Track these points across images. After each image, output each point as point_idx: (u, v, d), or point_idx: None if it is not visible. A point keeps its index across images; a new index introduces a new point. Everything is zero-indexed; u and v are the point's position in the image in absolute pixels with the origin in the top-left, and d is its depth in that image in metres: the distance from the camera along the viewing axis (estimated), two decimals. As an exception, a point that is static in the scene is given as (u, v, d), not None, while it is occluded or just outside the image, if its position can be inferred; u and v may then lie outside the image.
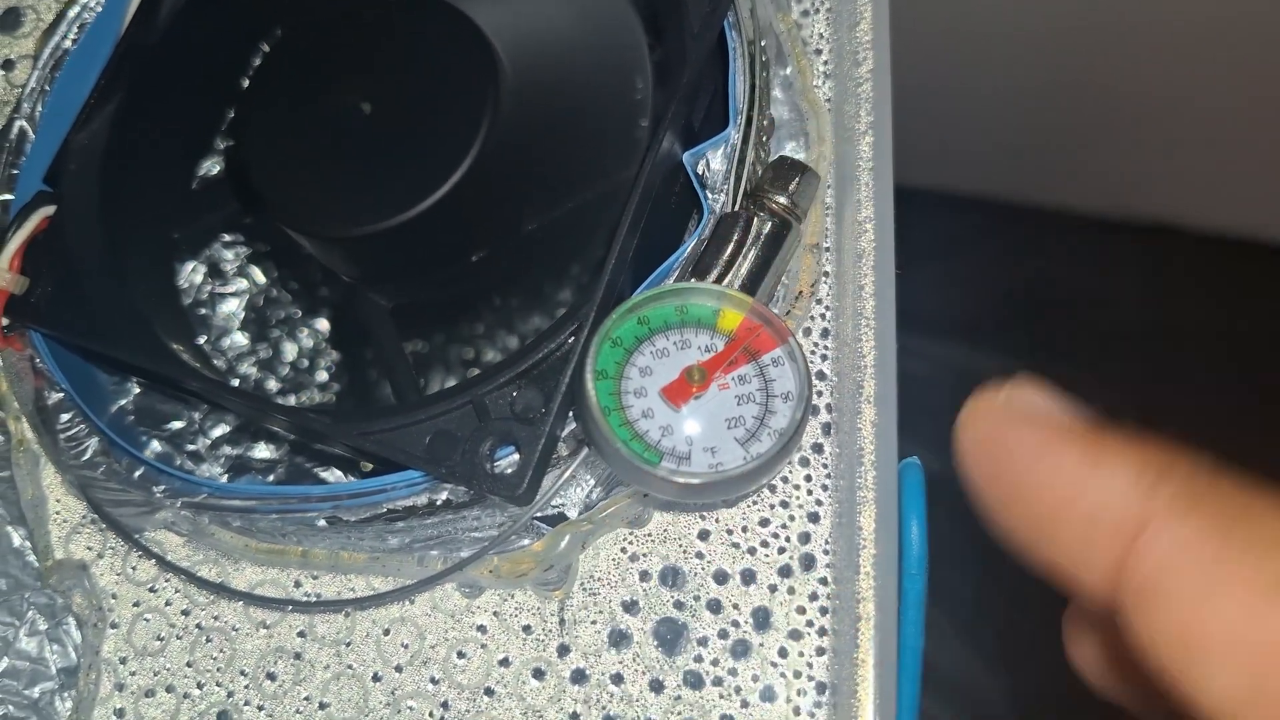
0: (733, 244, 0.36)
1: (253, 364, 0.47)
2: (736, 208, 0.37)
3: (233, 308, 0.48)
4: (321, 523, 0.36)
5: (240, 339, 0.47)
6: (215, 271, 0.48)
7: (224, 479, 0.43)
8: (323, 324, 0.48)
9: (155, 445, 0.44)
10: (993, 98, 0.92)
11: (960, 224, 0.98)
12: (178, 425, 0.45)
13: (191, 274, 0.47)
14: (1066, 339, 0.97)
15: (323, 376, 0.47)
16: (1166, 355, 0.95)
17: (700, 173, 0.38)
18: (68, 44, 0.45)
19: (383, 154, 0.40)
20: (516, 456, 0.34)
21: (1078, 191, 0.96)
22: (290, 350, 0.47)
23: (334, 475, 0.44)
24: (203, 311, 0.47)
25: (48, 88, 0.44)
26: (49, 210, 0.40)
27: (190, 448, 0.45)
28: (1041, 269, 0.99)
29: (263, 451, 0.45)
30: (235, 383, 0.45)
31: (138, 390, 0.45)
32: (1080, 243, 0.98)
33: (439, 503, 0.36)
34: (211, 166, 0.48)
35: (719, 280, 0.36)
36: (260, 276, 0.48)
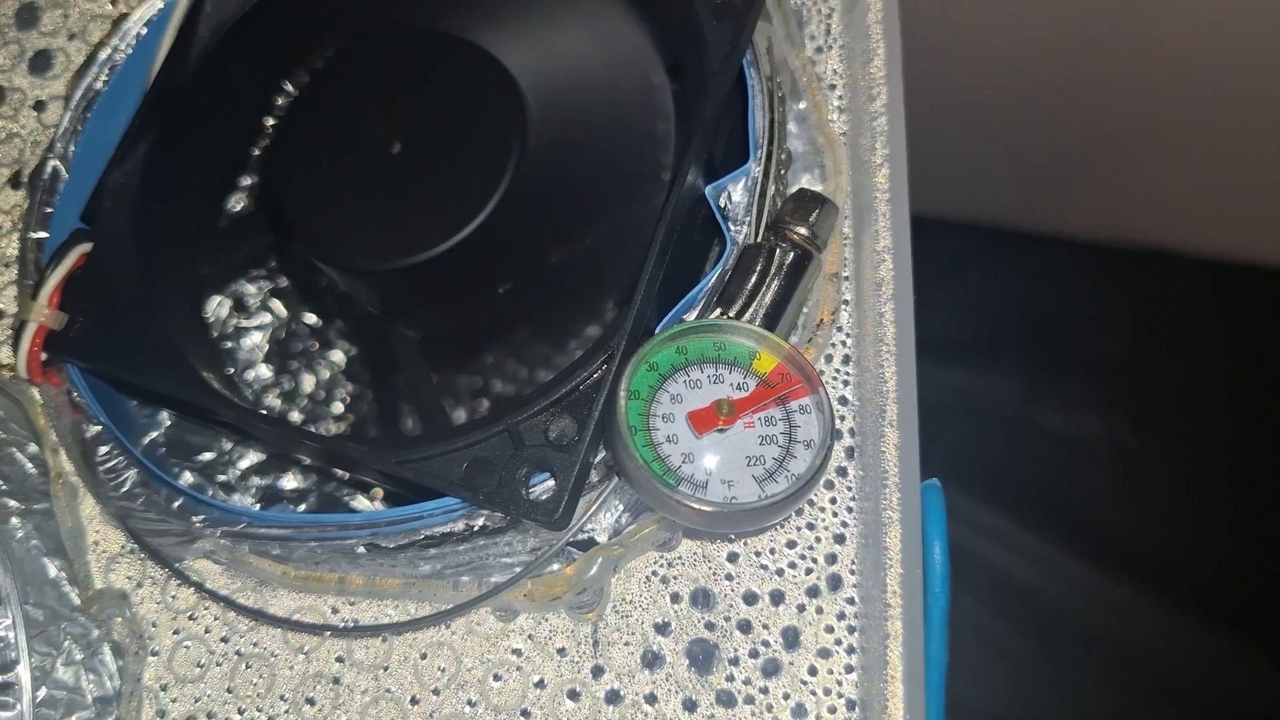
0: (756, 274, 0.37)
1: (277, 395, 0.48)
2: (758, 239, 0.38)
3: (257, 340, 0.49)
4: (360, 549, 0.37)
5: (265, 371, 0.48)
6: (240, 306, 0.49)
7: (256, 509, 0.44)
8: (338, 356, 0.49)
9: (187, 476, 0.45)
10: (991, 125, 0.93)
11: (958, 250, 1.00)
12: (208, 456, 0.46)
13: (218, 308, 0.48)
14: (1064, 362, 0.98)
15: (338, 408, 0.48)
16: (1158, 376, 0.96)
17: (722, 205, 0.39)
18: (99, 85, 0.46)
19: (413, 190, 0.41)
20: (551, 483, 0.35)
21: (1074, 217, 0.98)
22: (309, 383, 0.48)
23: (362, 503, 0.45)
24: (228, 345, 0.48)
25: (80, 128, 0.45)
26: (86, 247, 0.41)
27: (221, 478, 0.45)
28: (1039, 294, 1.00)
29: (291, 481, 0.46)
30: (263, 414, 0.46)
31: (168, 423, 0.45)
32: (1076, 267, 1.00)
33: (475, 528, 0.37)
34: (236, 204, 0.49)
35: (743, 309, 0.37)
36: (282, 310, 0.49)
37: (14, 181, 0.46)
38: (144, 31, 0.46)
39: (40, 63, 0.47)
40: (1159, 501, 0.92)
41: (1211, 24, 0.81)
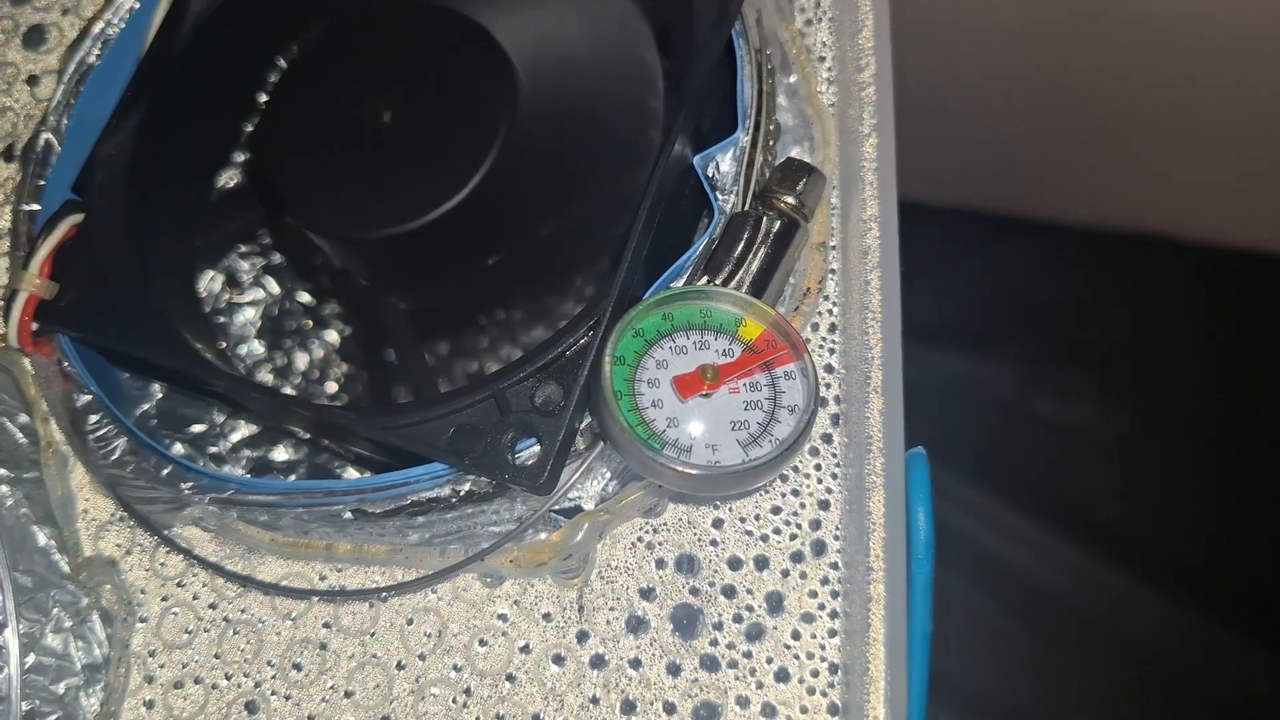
0: (743, 243, 0.37)
1: (269, 371, 0.48)
2: (746, 208, 0.38)
3: (250, 316, 0.49)
4: (347, 515, 0.37)
5: (257, 347, 0.48)
6: (232, 281, 0.49)
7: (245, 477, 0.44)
8: (332, 336, 0.49)
9: (178, 448, 0.45)
10: (983, 111, 0.94)
11: (954, 236, 1.00)
12: (199, 428, 0.46)
13: (210, 283, 0.48)
14: (1056, 348, 0.98)
15: (332, 387, 0.49)
16: (1153, 363, 0.97)
17: (710, 175, 0.39)
18: (91, 59, 0.46)
19: (404, 161, 0.41)
20: (537, 448, 0.35)
21: (1070, 203, 0.98)
22: (302, 360, 0.48)
23: (352, 474, 0.45)
24: (221, 319, 0.48)
25: (72, 101, 0.45)
26: (77, 218, 0.41)
27: (212, 450, 0.46)
28: (1034, 280, 1.00)
29: (282, 453, 0.46)
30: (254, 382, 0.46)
31: (160, 395, 0.46)
32: (1068, 253, 1.00)
33: (461, 494, 0.37)
34: (229, 179, 0.49)
35: (729, 278, 0.37)
36: (275, 287, 0.49)
37: (7, 154, 0.46)
38: (136, 6, 0.46)
39: (34, 37, 0.48)
40: (1153, 488, 0.92)
41: (1208, 7, 0.81)
